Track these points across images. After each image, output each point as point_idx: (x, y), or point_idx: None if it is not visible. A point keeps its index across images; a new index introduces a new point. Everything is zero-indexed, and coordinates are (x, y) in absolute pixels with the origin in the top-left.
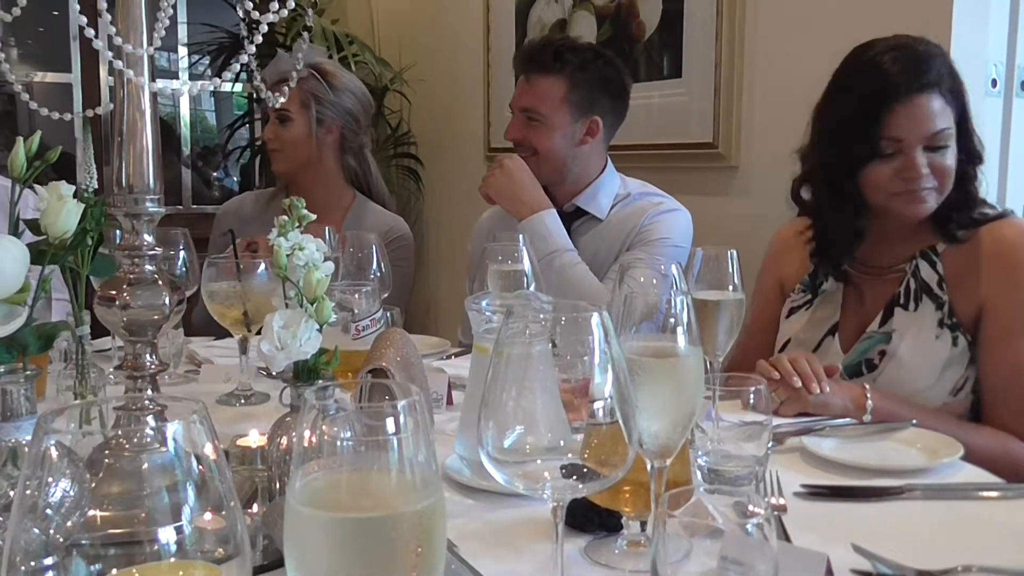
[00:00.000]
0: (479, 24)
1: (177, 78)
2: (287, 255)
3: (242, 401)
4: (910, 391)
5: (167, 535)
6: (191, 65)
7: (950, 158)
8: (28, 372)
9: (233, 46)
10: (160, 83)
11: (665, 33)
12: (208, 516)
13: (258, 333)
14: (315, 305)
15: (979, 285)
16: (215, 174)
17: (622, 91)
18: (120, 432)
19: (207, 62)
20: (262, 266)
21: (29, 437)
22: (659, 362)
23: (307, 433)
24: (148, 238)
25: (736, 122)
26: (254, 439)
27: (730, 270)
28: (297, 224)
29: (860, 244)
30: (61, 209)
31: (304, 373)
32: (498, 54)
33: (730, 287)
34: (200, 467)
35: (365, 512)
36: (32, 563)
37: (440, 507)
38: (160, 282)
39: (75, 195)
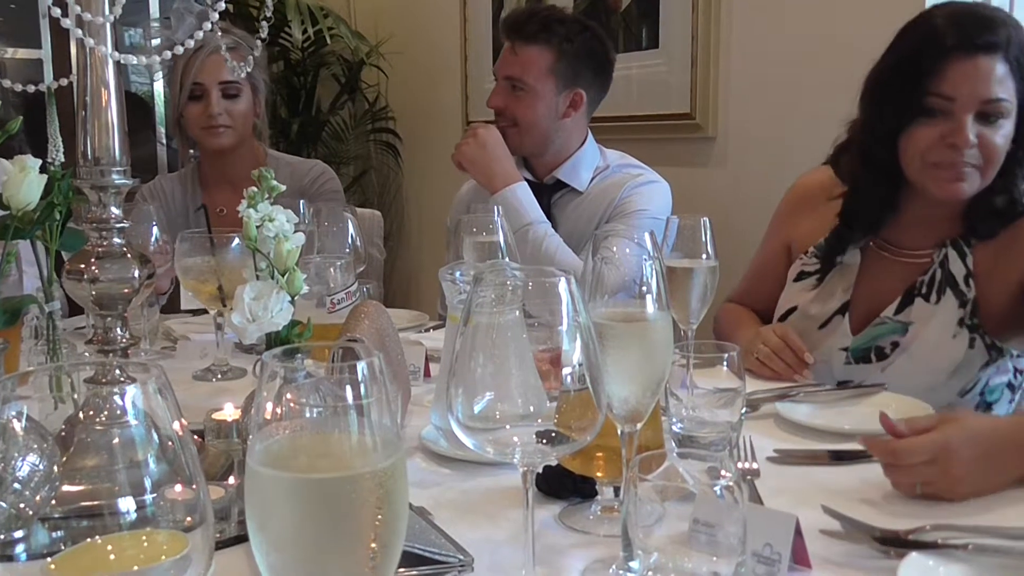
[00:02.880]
0: None
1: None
2: (257, 227)
3: (219, 376)
4: (917, 387)
5: (133, 505)
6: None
7: (1001, 136)
8: None
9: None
10: (130, 57)
11: (642, 4)
12: (178, 488)
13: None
14: (286, 276)
15: (1013, 280)
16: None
17: (607, 65)
18: (88, 404)
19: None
20: (236, 240)
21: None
22: (627, 326)
23: (266, 396)
24: (116, 211)
25: (713, 93)
26: (229, 413)
27: (704, 238)
28: (267, 195)
29: (889, 219)
30: (23, 181)
31: (276, 345)
32: (475, 26)
33: (704, 255)
34: (162, 433)
35: (325, 473)
36: (1, 536)
37: (401, 468)
38: (129, 255)
39: (42, 169)
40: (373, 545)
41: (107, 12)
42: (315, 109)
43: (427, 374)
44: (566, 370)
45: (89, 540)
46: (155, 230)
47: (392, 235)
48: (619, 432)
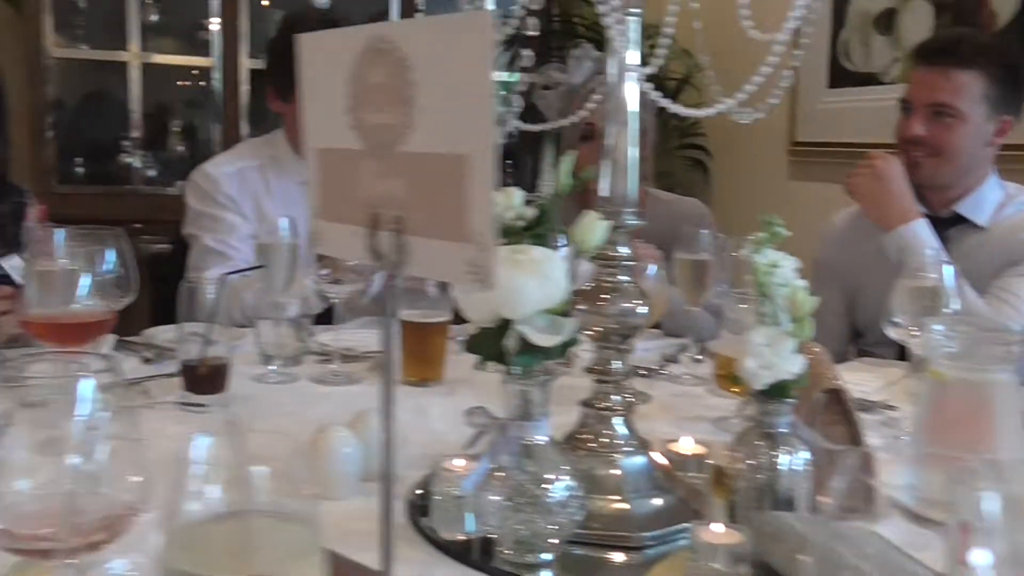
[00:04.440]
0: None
1: None
2: (765, 274)
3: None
4: None
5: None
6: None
7: None
8: (543, 377)
9: (517, 37)
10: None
11: (1022, 24)
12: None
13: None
14: (799, 324)
15: None
16: None
17: None
18: (585, 426)
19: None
20: (653, 267)
21: (540, 437)
22: None
23: None
24: (624, 250)
25: None
26: (687, 445)
27: None
28: (771, 240)
29: None
30: (593, 227)
31: (778, 392)
32: (809, 44)
33: None
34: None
35: None
36: (528, 556)
37: None
38: (634, 291)
39: (528, 202)
40: None
41: (639, 62)
42: None
43: None
44: None
45: None
46: None
47: None
48: None
